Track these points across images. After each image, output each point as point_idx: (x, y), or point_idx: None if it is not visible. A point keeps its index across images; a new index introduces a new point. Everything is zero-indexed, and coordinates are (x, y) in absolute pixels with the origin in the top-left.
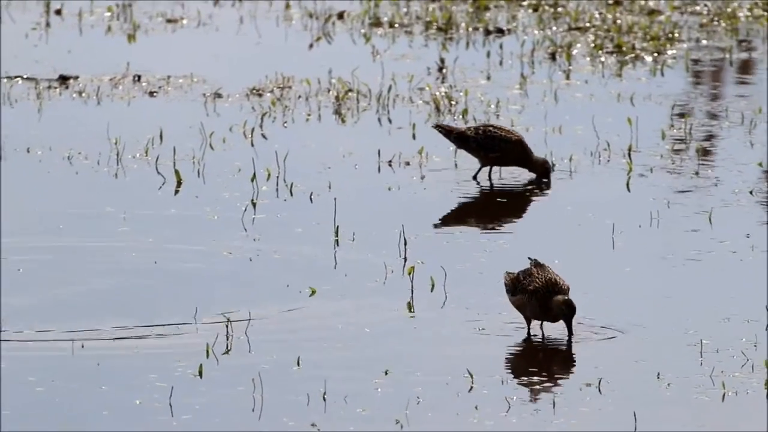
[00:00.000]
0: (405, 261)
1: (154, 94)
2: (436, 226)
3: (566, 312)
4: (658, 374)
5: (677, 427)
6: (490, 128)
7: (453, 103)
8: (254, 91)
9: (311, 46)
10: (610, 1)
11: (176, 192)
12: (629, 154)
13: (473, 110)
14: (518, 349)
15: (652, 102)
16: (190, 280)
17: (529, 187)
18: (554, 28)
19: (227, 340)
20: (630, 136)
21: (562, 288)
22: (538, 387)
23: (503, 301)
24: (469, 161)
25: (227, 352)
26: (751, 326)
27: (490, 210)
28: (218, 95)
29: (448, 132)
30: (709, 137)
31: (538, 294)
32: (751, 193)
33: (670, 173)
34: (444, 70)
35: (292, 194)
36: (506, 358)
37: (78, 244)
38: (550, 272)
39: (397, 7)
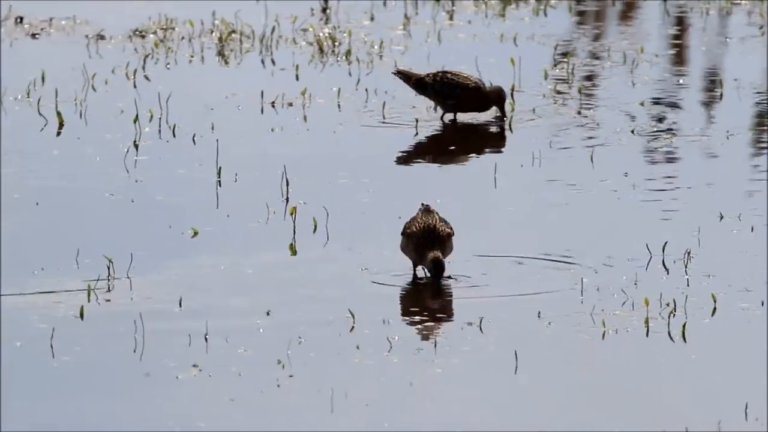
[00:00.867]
0: (287, 201)
1: (36, 36)
2: (318, 166)
3: (432, 271)
4: (539, 313)
5: (558, 366)
6: (448, 75)
7: (336, 44)
8: (137, 33)
9: None
10: None
11: (58, 134)
12: (512, 95)
13: (356, 51)
14: (401, 289)
15: (535, 42)
16: (72, 222)
17: (419, 125)
18: None
19: (108, 281)
20: (513, 76)
21: (440, 234)
22: (419, 327)
23: (385, 241)
24: (351, 102)
25: (108, 292)
26: (631, 264)
27: (372, 150)
28: (101, 37)
29: (407, 78)
30: (592, 77)
31: (413, 239)
32: (632, 132)
33: (552, 113)
34: (327, 11)
35: (174, 136)
36: (388, 299)
37: None
38: (433, 218)
39: None
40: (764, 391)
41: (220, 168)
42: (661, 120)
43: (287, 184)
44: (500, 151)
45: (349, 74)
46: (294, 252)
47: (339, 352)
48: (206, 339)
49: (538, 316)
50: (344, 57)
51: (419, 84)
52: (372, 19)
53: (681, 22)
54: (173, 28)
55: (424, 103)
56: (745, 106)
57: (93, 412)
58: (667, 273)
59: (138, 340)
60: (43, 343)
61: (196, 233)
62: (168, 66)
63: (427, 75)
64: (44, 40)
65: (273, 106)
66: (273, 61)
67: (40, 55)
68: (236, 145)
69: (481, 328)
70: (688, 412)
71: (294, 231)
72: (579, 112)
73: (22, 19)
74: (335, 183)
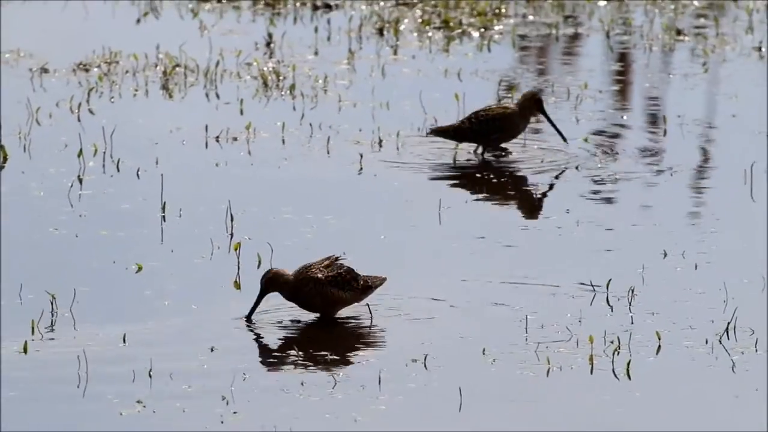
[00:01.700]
0: (231, 237)
1: None
2: (262, 202)
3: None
4: (484, 350)
5: (503, 403)
6: (480, 113)
7: (281, 78)
8: (81, 66)
9: (138, 21)
10: None
11: (2, 167)
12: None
13: (301, 85)
14: (344, 326)
15: (479, 77)
16: (15, 256)
17: (363, 161)
18: (382, 4)
19: (52, 316)
20: (457, 111)
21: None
22: (363, 363)
23: None
24: (296, 137)
25: (52, 329)
26: (575, 302)
27: (316, 186)
28: (45, 70)
29: (444, 132)
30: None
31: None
32: (576, 168)
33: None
34: (272, 45)
35: (119, 170)
36: (332, 335)
37: None
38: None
39: None
40: (708, 429)
41: (164, 203)
42: (604, 156)
43: (232, 219)
44: (448, 186)
45: (294, 108)
46: (238, 287)
47: (283, 388)
48: (150, 375)
49: (483, 353)
50: (288, 91)
51: (458, 133)
52: (316, 53)
53: (624, 58)
54: (117, 62)
55: (368, 138)
56: (688, 143)
57: None
58: (612, 310)
59: (81, 375)
60: None
61: (140, 268)
62: (112, 100)
63: (462, 122)
64: None
65: (217, 141)
66: (217, 95)
67: None
68: (181, 180)
69: (425, 365)
70: None
71: (238, 266)
72: (523, 146)
73: None
74: (279, 218)
